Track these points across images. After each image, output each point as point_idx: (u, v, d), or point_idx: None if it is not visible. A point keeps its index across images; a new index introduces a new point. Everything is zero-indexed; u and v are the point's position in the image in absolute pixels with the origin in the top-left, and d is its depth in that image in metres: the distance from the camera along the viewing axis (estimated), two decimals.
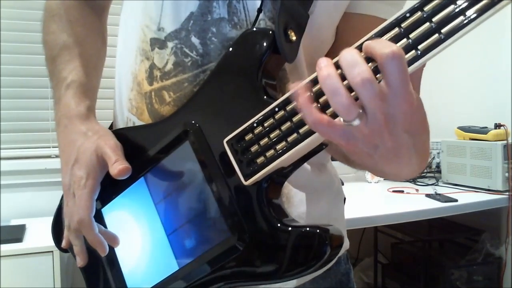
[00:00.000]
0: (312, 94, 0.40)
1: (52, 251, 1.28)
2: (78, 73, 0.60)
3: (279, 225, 0.49)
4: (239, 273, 0.51)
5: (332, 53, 0.63)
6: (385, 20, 0.61)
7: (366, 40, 0.39)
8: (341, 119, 0.37)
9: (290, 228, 0.48)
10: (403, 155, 0.41)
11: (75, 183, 0.55)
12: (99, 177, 0.55)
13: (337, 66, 0.38)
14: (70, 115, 0.58)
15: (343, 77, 0.37)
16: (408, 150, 0.40)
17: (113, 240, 0.58)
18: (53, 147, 1.75)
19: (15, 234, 1.38)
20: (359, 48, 0.39)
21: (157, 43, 0.57)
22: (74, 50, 0.62)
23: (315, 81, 0.40)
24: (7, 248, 1.26)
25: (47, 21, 0.65)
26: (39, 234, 1.41)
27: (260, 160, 0.47)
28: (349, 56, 0.36)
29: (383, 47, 0.35)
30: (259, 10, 0.54)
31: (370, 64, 0.37)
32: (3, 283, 1.23)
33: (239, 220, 0.50)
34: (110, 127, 0.68)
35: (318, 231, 0.47)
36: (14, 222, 1.57)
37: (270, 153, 0.46)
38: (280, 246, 0.49)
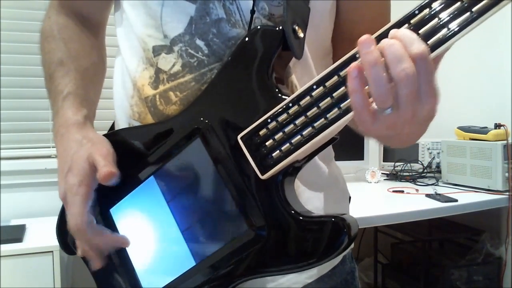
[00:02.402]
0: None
1: (52, 251, 1.27)
2: (74, 85, 0.61)
3: (297, 216, 0.50)
4: (257, 265, 0.52)
5: (340, 35, 0.65)
6: None
7: (386, 29, 0.40)
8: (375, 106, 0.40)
9: (307, 219, 0.50)
10: (415, 135, 0.45)
11: (68, 190, 0.55)
12: (92, 184, 0.55)
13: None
14: (68, 125, 0.59)
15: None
16: (419, 131, 0.44)
17: (122, 243, 0.58)
18: (53, 147, 1.75)
19: (15, 234, 1.37)
20: (383, 36, 0.40)
21: (164, 49, 0.58)
22: (69, 65, 0.63)
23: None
24: (7, 248, 1.26)
25: (43, 42, 0.66)
26: (39, 234, 1.40)
27: (276, 154, 0.48)
28: (396, 50, 0.37)
29: (412, 46, 0.37)
30: (252, 12, 0.55)
31: None
32: (3, 283, 1.23)
33: (256, 214, 0.51)
34: (112, 128, 0.68)
35: (333, 219, 0.48)
36: (14, 222, 1.56)
37: (285, 147, 0.47)
38: (298, 237, 0.50)
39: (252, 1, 0.55)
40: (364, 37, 0.39)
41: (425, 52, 0.37)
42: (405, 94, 0.38)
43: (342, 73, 0.43)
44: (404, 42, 0.38)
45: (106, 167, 0.53)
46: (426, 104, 0.39)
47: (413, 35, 0.38)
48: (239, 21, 0.56)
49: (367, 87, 0.40)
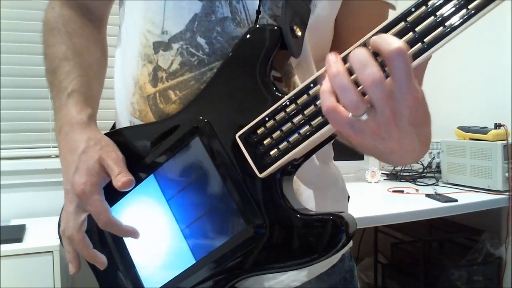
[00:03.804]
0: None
1: (52, 251, 1.27)
2: (78, 83, 0.61)
3: (294, 214, 0.50)
4: (256, 263, 0.52)
5: (336, 41, 0.65)
6: (383, 2, 0.64)
7: (372, 35, 0.40)
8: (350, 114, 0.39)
9: (305, 216, 0.50)
10: (407, 145, 0.43)
11: (80, 191, 0.54)
12: (103, 184, 0.55)
13: (345, 60, 0.40)
14: (72, 123, 0.59)
15: (351, 72, 0.39)
16: (412, 141, 0.42)
17: (132, 234, 0.57)
18: (53, 147, 1.75)
19: (15, 234, 1.37)
20: (366, 43, 0.40)
21: (161, 45, 0.58)
22: (74, 60, 0.62)
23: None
24: (7, 248, 1.26)
25: (46, 35, 0.65)
26: (39, 234, 1.40)
27: (274, 152, 0.48)
28: (360, 56, 0.37)
29: (389, 43, 0.36)
30: (258, 12, 0.55)
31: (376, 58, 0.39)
32: (3, 283, 1.23)
33: (255, 212, 0.51)
34: (113, 127, 0.68)
35: (331, 217, 0.49)
36: (14, 222, 1.57)
37: (283, 145, 0.47)
38: (296, 235, 0.50)
39: (258, 1, 0.55)
40: (329, 55, 0.40)
41: (403, 47, 0.36)
42: (377, 97, 0.37)
43: None
44: (381, 44, 0.37)
45: (124, 176, 0.53)
46: (403, 101, 0.38)
47: (389, 36, 0.38)
48: (244, 20, 0.56)
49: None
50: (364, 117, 0.39)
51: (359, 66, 0.37)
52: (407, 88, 0.37)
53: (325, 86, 0.40)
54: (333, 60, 0.39)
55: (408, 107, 0.38)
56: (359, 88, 0.39)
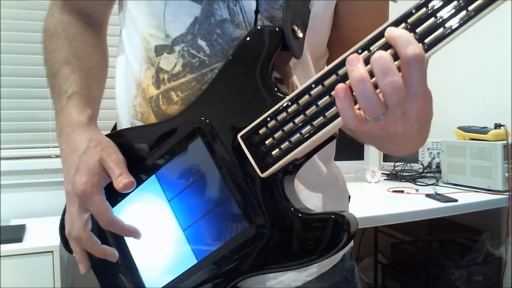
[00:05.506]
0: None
1: (52, 251, 1.27)
2: (78, 85, 0.61)
3: (296, 213, 0.51)
4: (258, 263, 0.53)
5: (338, 41, 0.66)
6: (383, 0, 0.64)
7: (373, 36, 0.41)
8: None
9: (307, 216, 0.50)
10: (410, 139, 0.45)
11: (81, 191, 0.55)
12: (103, 185, 0.56)
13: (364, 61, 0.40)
14: (72, 125, 0.59)
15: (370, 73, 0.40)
16: (414, 135, 0.44)
17: (134, 234, 0.58)
18: (53, 147, 1.75)
19: (15, 234, 1.37)
20: (380, 35, 0.41)
21: (165, 49, 0.58)
22: (74, 64, 0.63)
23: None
24: (7, 248, 1.26)
25: (46, 40, 0.66)
26: (39, 234, 1.40)
27: (275, 152, 0.49)
28: (383, 62, 0.38)
29: (408, 48, 0.37)
30: (256, 12, 0.56)
31: (389, 51, 0.39)
32: (3, 283, 1.23)
33: (256, 212, 0.52)
34: (114, 128, 0.69)
35: (333, 216, 0.49)
36: (14, 222, 1.57)
37: (285, 145, 0.48)
38: (298, 234, 0.51)
39: (255, 2, 0.56)
40: (352, 56, 0.40)
41: (421, 54, 0.37)
42: (393, 102, 0.39)
43: (340, 72, 0.43)
44: (399, 43, 0.38)
45: (125, 177, 0.54)
46: (414, 103, 0.39)
47: (409, 35, 0.38)
48: (242, 22, 0.57)
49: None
50: (381, 118, 0.40)
51: (381, 73, 0.38)
52: (421, 93, 0.38)
53: (343, 104, 0.41)
54: (355, 63, 0.40)
55: (417, 108, 0.40)
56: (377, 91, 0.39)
